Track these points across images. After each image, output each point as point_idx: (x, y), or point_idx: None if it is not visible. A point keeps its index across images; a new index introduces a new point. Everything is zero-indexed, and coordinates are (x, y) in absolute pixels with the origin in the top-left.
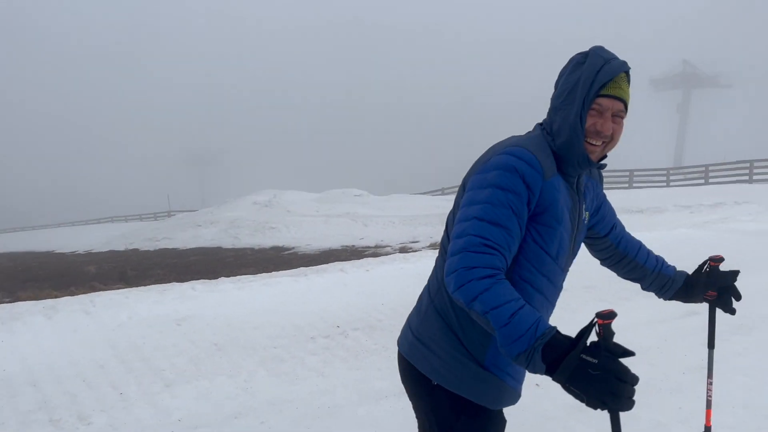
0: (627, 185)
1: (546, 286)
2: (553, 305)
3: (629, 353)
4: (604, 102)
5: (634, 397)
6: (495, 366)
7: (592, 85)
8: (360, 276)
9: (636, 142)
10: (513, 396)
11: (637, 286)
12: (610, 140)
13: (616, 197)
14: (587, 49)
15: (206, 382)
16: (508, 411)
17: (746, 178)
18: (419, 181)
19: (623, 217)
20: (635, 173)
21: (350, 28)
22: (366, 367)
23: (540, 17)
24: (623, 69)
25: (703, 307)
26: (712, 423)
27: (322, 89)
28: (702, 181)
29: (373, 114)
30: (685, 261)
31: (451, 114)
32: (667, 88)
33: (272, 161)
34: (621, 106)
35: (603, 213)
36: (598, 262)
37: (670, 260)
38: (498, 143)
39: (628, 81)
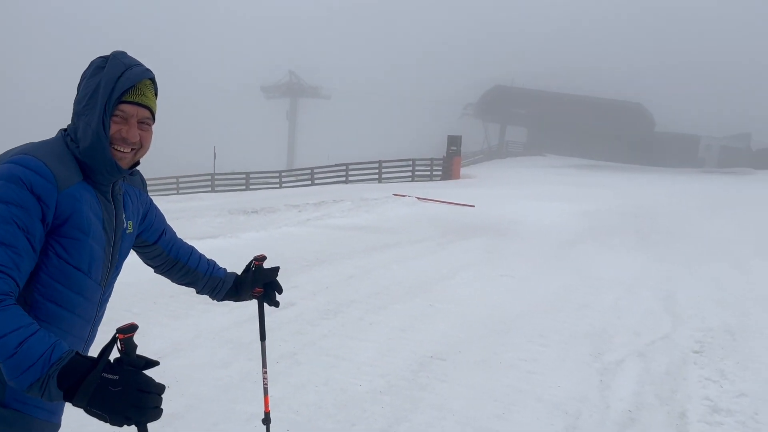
0: (244, 187)
1: (80, 303)
2: (91, 323)
3: (153, 363)
4: (127, 108)
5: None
6: (18, 401)
7: (113, 91)
8: None
9: (251, 146)
10: (48, 428)
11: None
12: (141, 147)
13: (234, 199)
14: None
15: None
16: None
17: (343, 178)
18: None
19: (240, 219)
20: (251, 175)
21: None
22: None
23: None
24: (146, 76)
25: (298, 297)
26: (271, 408)
27: None
28: (309, 182)
29: None
30: (287, 256)
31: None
32: (277, 96)
33: None
34: (147, 113)
35: (150, 220)
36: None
37: (275, 257)
38: (7, 151)
39: (155, 89)
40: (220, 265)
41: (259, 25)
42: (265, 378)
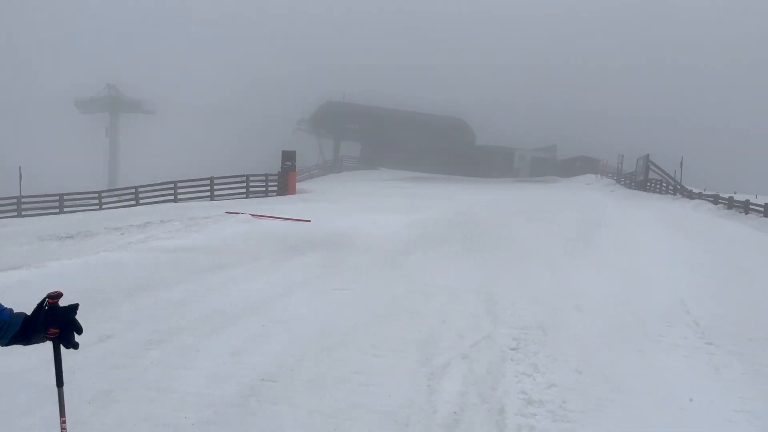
0: (58, 210)
1: None
2: None
3: None
4: None
5: None
6: None
7: None
8: None
9: (66, 166)
10: None
11: None
12: None
13: (45, 224)
14: None
15: None
16: None
17: (172, 197)
18: None
19: (53, 245)
20: (65, 197)
21: None
22: None
23: None
24: None
25: (116, 328)
26: None
27: None
28: (134, 202)
29: None
30: (105, 285)
31: None
32: (95, 110)
33: None
34: None
35: None
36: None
37: (91, 286)
38: None
39: None
40: (5, 305)
41: (73, 34)
42: (63, 428)
